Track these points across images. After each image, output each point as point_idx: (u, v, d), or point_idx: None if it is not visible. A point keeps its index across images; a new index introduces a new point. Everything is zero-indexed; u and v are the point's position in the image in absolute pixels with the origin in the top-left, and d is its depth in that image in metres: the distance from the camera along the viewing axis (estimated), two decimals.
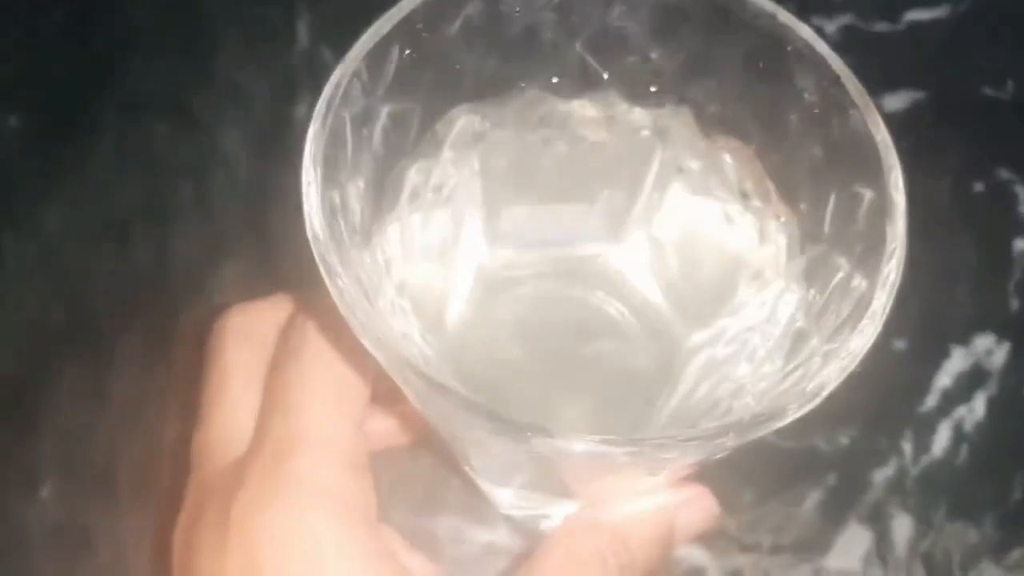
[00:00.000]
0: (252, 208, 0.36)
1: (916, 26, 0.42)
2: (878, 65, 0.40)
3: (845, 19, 0.42)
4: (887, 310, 0.20)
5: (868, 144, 0.21)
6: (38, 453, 0.32)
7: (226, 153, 0.38)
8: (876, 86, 0.39)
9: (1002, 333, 0.35)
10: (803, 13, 0.40)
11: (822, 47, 0.22)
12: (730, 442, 0.19)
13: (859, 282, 0.21)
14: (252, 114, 0.39)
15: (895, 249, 0.20)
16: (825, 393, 0.19)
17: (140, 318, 0.35)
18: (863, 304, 0.20)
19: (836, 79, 0.22)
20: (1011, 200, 0.38)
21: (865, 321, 0.20)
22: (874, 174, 0.21)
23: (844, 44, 0.41)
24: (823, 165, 0.23)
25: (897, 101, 0.40)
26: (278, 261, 0.33)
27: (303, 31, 0.40)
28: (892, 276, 0.20)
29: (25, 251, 0.36)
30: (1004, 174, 0.38)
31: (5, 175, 0.38)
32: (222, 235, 0.36)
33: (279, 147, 0.37)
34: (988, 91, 0.40)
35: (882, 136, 0.21)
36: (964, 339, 0.35)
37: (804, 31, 0.22)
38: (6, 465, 0.32)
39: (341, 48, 0.39)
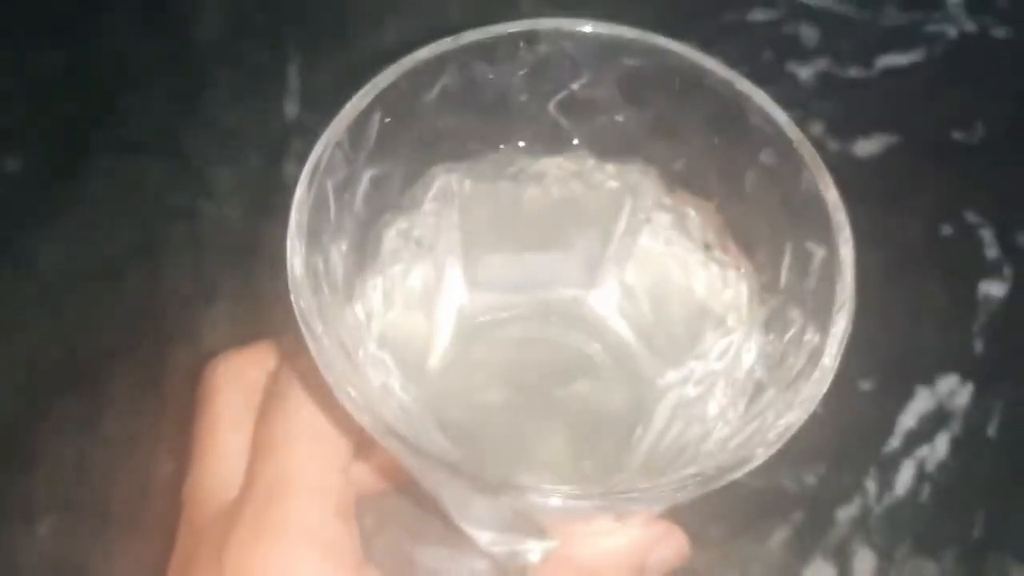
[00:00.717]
0: (243, 249, 0.37)
1: (889, 72, 0.43)
2: (852, 110, 0.42)
3: (821, 65, 0.43)
4: (837, 362, 0.21)
5: (819, 205, 0.22)
6: (35, 489, 0.33)
7: (217, 195, 0.39)
8: (850, 130, 0.41)
9: (966, 374, 0.36)
10: (779, 59, 0.43)
11: (778, 113, 0.23)
12: (693, 493, 0.20)
13: (811, 336, 0.22)
14: (244, 156, 0.40)
15: (844, 305, 0.21)
16: (782, 442, 0.20)
17: (133, 356, 0.36)
18: (816, 356, 0.21)
19: (790, 143, 0.23)
20: (977, 243, 0.39)
21: (817, 373, 0.21)
22: (825, 233, 0.22)
23: (819, 89, 0.42)
24: (779, 222, 0.24)
25: (870, 145, 0.41)
26: (267, 303, 0.35)
27: (293, 73, 0.42)
28: (841, 330, 0.21)
29: (22, 290, 0.37)
30: (971, 217, 0.40)
31: (3, 215, 0.39)
32: (213, 275, 0.37)
33: (270, 189, 0.39)
34: (958, 135, 0.42)
35: (832, 197, 0.22)
36: (929, 380, 0.36)
37: (760, 98, 0.23)
38: (4, 501, 0.33)
39: (329, 91, 0.40)
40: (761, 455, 0.20)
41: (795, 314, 0.23)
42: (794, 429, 0.21)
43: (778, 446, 0.20)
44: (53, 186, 0.39)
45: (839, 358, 0.21)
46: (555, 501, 0.19)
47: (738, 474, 0.20)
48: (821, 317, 0.22)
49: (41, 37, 0.43)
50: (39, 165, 0.40)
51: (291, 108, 0.40)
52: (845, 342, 0.21)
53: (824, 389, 0.21)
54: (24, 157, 0.40)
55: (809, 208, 0.22)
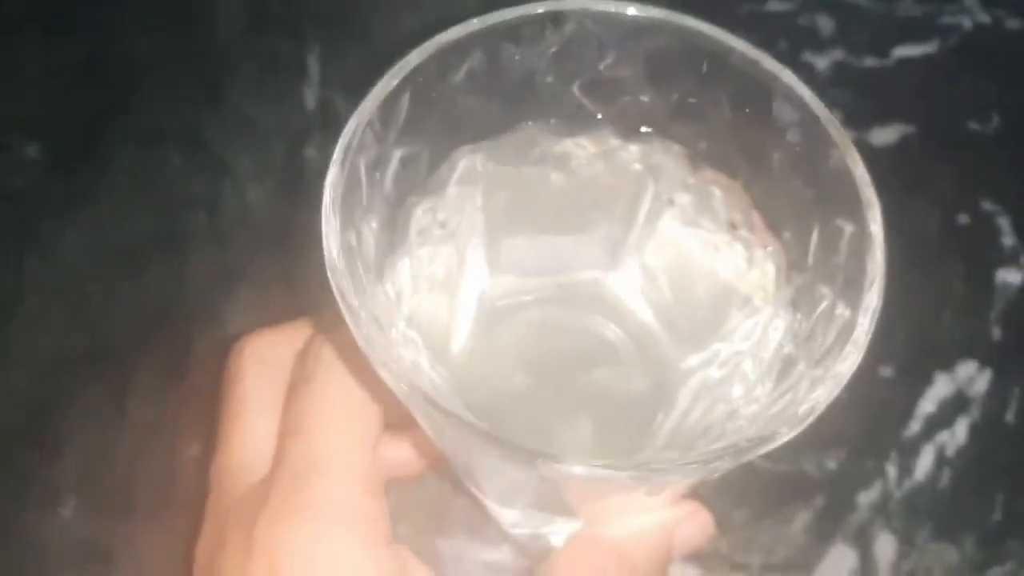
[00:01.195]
0: (265, 235, 0.38)
1: (904, 62, 0.43)
2: (868, 100, 0.42)
3: (836, 55, 0.43)
4: (869, 337, 0.21)
5: (848, 181, 0.22)
6: (60, 473, 0.34)
7: (239, 183, 0.39)
8: (866, 120, 0.41)
9: (984, 360, 0.36)
10: (795, 49, 0.43)
11: (804, 91, 0.23)
12: (725, 465, 0.20)
13: (842, 310, 0.22)
14: (264, 145, 0.40)
15: (875, 280, 0.22)
16: (812, 417, 0.21)
17: (157, 342, 0.36)
18: (846, 331, 0.21)
19: (817, 120, 0.23)
20: (994, 231, 0.39)
21: (848, 347, 0.21)
22: (854, 209, 0.22)
23: (835, 79, 0.43)
24: (806, 199, 0.24)
25: (886, 135, 0.41)
26: (290, 288, 0.35)
27: (313, 64, 0.42)
28: (873, 305, 0.21)
29: (46, 278, 0.38)
30: (988, 206, 0.40)
31: (26, 204, 0.39)
32: (235, 262, 0.38)
33: (290, 177, 0.39)
34: (974, 125, 0.42)
35: (861, 173, 0.23)
36: (947, 366, 0.36)
37: (787, 76, 0.23)
38: (30, 484, 0.34)
39: (349, 79, 0.41)
40: (792, 429, 0.20)
41: (824, 290, 0.23)
42: (826, 403, 0.21)
43: (810, 419, 0.20)
44: (77, 175, 0.40)
45: (871, 331, 0.21)
46: (589, 471, 0.19)
47: (771, 446, 0.20)
48: (852, 292, 0.22)
49: (64, 28, 0.43)
50: (63, 154, 0.40)
51: (311, 97, 0.41)
52: (877, 316, 0.21)
53: (857, 363, 0.21)
54: (48, 147, 0.40)
55: (837, 185, 0.23)
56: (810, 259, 0.24)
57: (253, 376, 0.26)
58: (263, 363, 0.27)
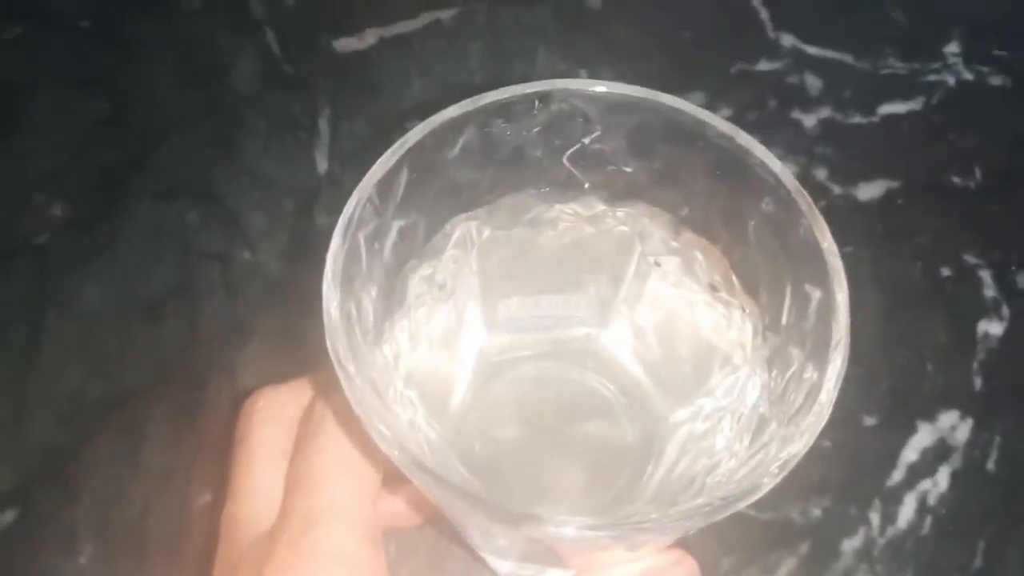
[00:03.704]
0: (275, 292, 0.39)
1: (890, 118, 0.45)
2: (854, 155, 0.44)
3: (823, 112, 0.45)
4: (833, 401, 0.22)
5: (815, 250, 0.24)
6: (77, 519, 0.35)
7: (251, 239, 0.41)
8: (852, 175, 0.43)
9: (966, 410, 0.37)
10: (784, 107, 0.45)
11: (775, 165, 0.25)
12: (700, 523, 0.21)
13: (811, 373, 0.24)
14: (275, 202, 0.42)
15: (839, 346, 0.23)
16: (782, 475, 0.22)
17: (171, 391, 0.38)
18: (813, 394, 0.23)
19: (788, 193, 0.24)
20: (977, 283, 0.40)
21: (814, 410, 0.22)
22: (821, 276, 0.23)
23: (823, 136, 0.44)
24: (779, 265, 0.25)
25: (872, 189, 0.43)
26: (299, 342, 0.36)
27: (324, 125, 0.44)
28: (837, 370, 0.22)
29: (66, 328, 0.39)
30: (970, 259, 0.41)
31: (50, 258, 0.41)
32: (246, 316, 0.39)
33: (300, 234, 0.41)
34: (957, 180, 0.43)
35: (828, 243, 0.24)
36: (930, 415, 0.37)
37: (759, 150, 0.25)
38: (47, 530, 0.35)
39: (358, 140, 0.42)
40: (765, 486, 0.21)
41: (795, 352, 0.25)
42: (795, 461, 0.22)
43: (780, 477, 0.21)
44: (95, 230, 0.41)
45: (836, 394, 0.22)
46: (569, 531, 0.20)
47: (743, 504, 0.21)
48: (819, 356, 0.23)
49: (84, 88, 0.46)
50: (82, 210, 0.42)
51: (321, 158, 0.43)
52: (841, 379, 0.22)
53: (822, 424, 0.22)
54: (68, 203, 0.42)
55: (806, 253, 0.24)
56: (783, 321, 0.25)
57: (263, 429, 0.28)
58: (273, 417, 0.28)
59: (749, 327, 0.27)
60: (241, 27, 0.47)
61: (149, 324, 0.39)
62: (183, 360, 0.38)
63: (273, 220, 0.41)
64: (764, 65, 0.46)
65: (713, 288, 0.28)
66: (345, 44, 0.46)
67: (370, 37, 0.46)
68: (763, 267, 0.26)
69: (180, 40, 0.47)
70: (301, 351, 0.35)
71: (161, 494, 0.35)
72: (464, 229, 0.28)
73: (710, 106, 0.44)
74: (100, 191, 0.43)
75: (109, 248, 0.41)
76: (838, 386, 0.22)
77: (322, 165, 0.42)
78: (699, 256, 0.28)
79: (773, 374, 0.26)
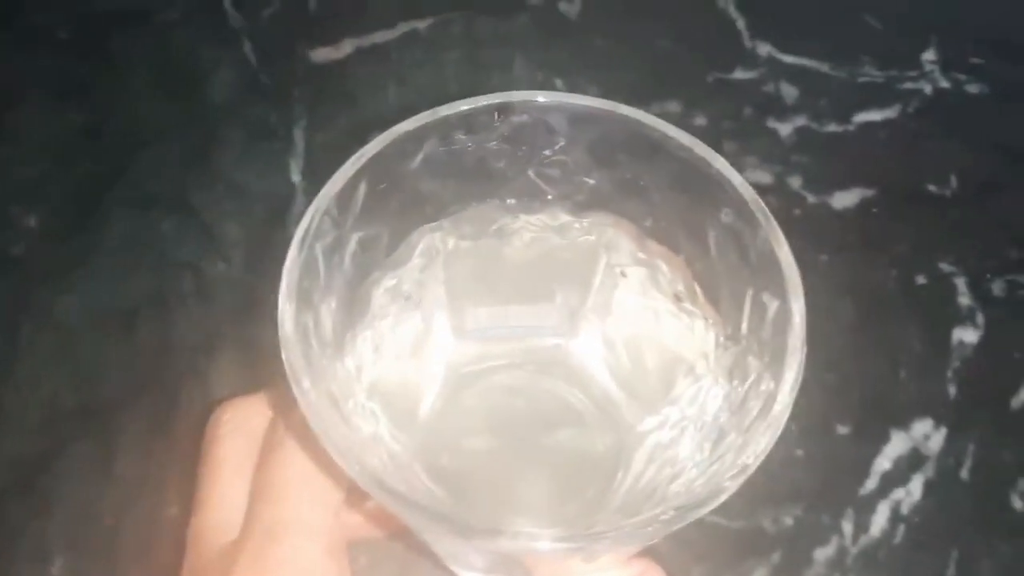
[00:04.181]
0: (248, 301, 0.39)
1: (866, 126, 0.45)
2: (830, 164, 0.44)
3: (799, 121, 0.45)
4: (788, 411, 0.22)
5: (773, 260, 0.24)
6: (48, 530, 0.35)
7: (224, 249, 0.41)
8: (828, 183, 0.43)
9: (940, 419, 0.37)
10: (760, 115, 0.45)
11: (735, 176, 0.25)
12: (657, 534, 0.21)
13: (767, 384, 0.24)
14: (249, 212, 0.42)
15: (794, 356, 0.23)
16: (735, 487, 0.21)
17: (144, 401, 0.38)
18: (769, 404, 0.23)
19: (746, 204, 0.24)
20: (951, 291, 0.40)
21: (768, 421, 0.22)
22: (778, 287, 0.23)
23: (798, 144, 0.44)
24: (739, 275, 0.25)
25: (847, 198, 0.43)
26: (271, 352, 0.36)
27: (299, 135, 0.44)
28: (791, 381, 0.22)
29: (41, 338, 0.39)
30: (945, 267, 0.41)
31: (24, 269, 0.41)
32: (219, 325, 0.39)
33: (274, 243, 0.41)
34: (932, 188, 0.43)
35: (784, 253, 0.23)
36: (904, 424, 0.37)
37: (719, 162, 0.25)
38: (18, 541, 0.35)
39: (333, 150, 0.42)
40: (720, 495, 0.21)
41: (754, 363, 0.25)
42: (750, 471, 0.22)
43: (735, 488, 0.21)
44: (70, 241, 0.42)
45: (791, 405, 0.22)
46: (525, 544, 0.20)
47: (699, 513, 0.21)
48: (775, 366, 0.23)
49: (61, 98, 0.46)
50: (57, 221, 0.42)
51: (295, 168, 0.43)
52: (796, 390, 0.22)
53: (776, 434, 0.22)
54: (43, 213, 0.42)
55: (764, 263, 0.24)
56: (743, 331, 0.25)
57: (229, 442, 0.28)
58: (239, 429, 0.28)
59: (711, 337, 0.27)
60: (219, 38, 0.47)
61: (123, 334, 0.39)
62: (156, 369, 0.38)
63: (246, 230, 0.41)
64: (740, 74, 0.46)
65: (677, 298, 0.28)
66: (322, 54, 0.46)
67: (347, 47, 0.46)
68: (724, 277, 0.26)
69: (158, 51, 0.47)
70: (272, 361, 0.35)
71: (132, 505, 0.35)
72: (429, 240, 0.28)
73: (686, 114, 0.44)
74: (76, 201, 0.43)
75: (84, 258, 0.41)
76: (793, 397, 0.22)
77: (296, 175, 0.42)
78: (663, 266, 0.28)
79: (734, 384, 0.26)
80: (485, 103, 0.25)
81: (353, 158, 0.24)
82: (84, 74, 0.46)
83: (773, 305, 0.24)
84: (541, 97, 0.26)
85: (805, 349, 0.23)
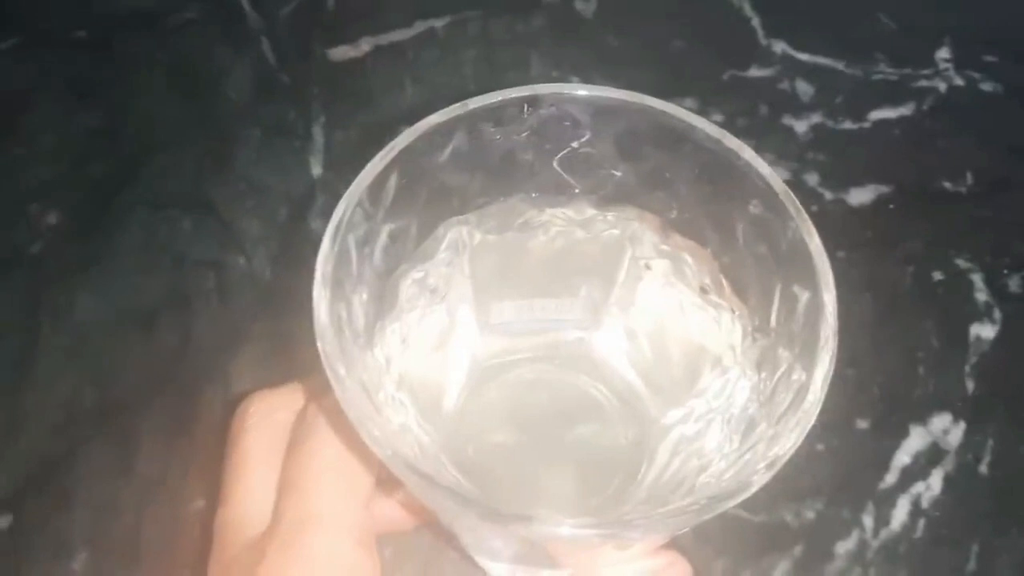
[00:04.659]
0: (268, 298, 0.39)
1: (881, 124, 0.45)
2: (845, 161, 0.44)
3: (815, 118, 0.45)
4: (821, 401, 0.22)
5: (803, 251, 0.24)
6: (71, 526, 0.35)
7: (244, 247, 0.41)
8: (844, 180, 0.43)
9: (958, 413, 0.37)
10: (775, 113, 0.45)
11: (763, 167, 0.25)
12: (688, 523, 0.21)
13: (799, 375, 0.24)
14: (269, 210, 0.42)
15: (826, 346, 0.23)
16: (769, 475, 0.21)
17: (164, 400, 0.38)
18: (801, 395, 0.23)
19: (776, 195, 0.24)
20: (968, 287, 0.41)
21: (802, 410, 0.22)
22: (809, 278, 0.23)
23: (814, 142, 0.44)
24: (768, 267, 0.25)
25: (863, 194, 0.43)
26: (292, 349, 0.36)
27: (318, 132, 0.44)
28: (824, 371, 0.22)
29: (60, 337, 0.39)
30: (962, 263, 0.41)
31: (44, 268, 0.41)
32: (240, 323, 0.39)
33: (294, 241, 0.41)
34: (947, 185, 0.44)
35: (815, 245, 0.24)
36: (923, 419, 0.37)
37: (747, 153, 0.25)
38: (41, 537, 0.35)
39: (352, 148, 0.42)
40: (753, 484, 0.21)
41: (784, 354, 0.25)
42: (783, 460, 0.22)
43: (768, 476, 0.21)
44: (89, 240, 0.42)
45: (823, 394, 0.22)
46: (558, 530, 0.20)
47: (732, 503, 0.21)
48: (807, 357, 0.23)
49: (79, 98, 0.46)
50: (76, 220, 0.42)
51: (315, 164, 0.43)
52: (829, 379, 0.22)
53: (810, 423, 0.22)
54: (62, 213, 0.42)
55: (794, 255, 0.24)
56: (772, 323, 0.25)
57: (256, 434, 0.28)
58: (266, 421, 0.28)
59: (739, 329, 0.27)
60: (237, 37, 0.47)
61: (143, 332, 0.39)
62: (177, 368, 0.38)
63: (267, 227, 0.41)
64: (756, 72, 0.46)
65: (703, 290, 0.28)
66: (339, 52, 0.46)
67: (364, 45, 0.46)
68: (752, 269, 0.26)
69: (176, 50, 0.47)
70: (294, 357, 0.35)
71: (154, 500, 0.35)
72: (456, 233, 0.28)
73: (702, 112, 0.44)
74: (94, 201, 0.43)
75: (103, 257, 0.41)
76: (826, 386, 0.22)
77: (316, 172, 0.43)
78: (689, 259, 0.28)
79: (762, 375, 0.26)
80: (515, 95, 0.25)
81: (384, 150, 0.24)
82: (101, 75, 0.47)
83: (804, 297, 0.24)
84: (569, 89, 0.26)
85: (837, 341, 0.23)
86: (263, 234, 0.41)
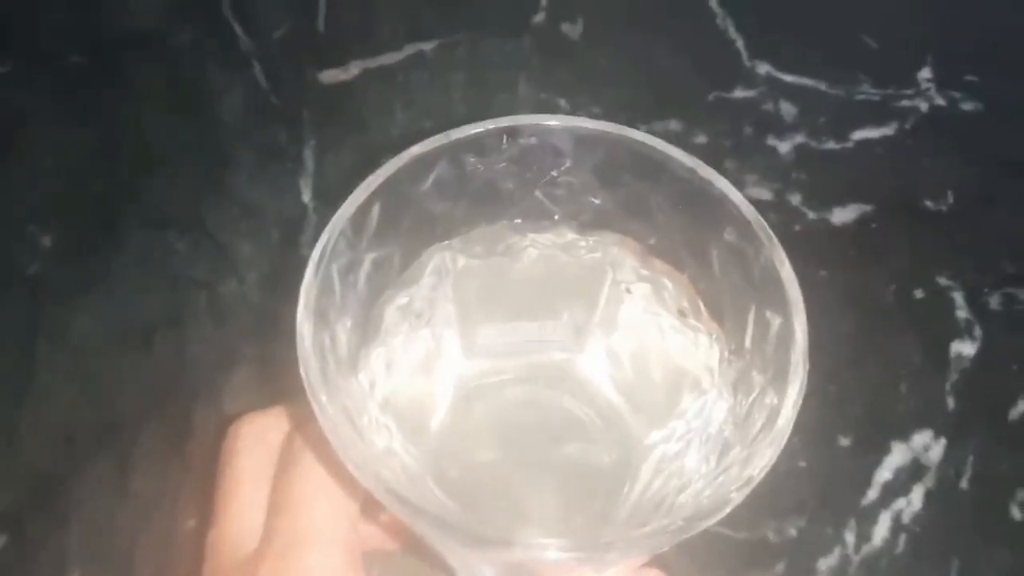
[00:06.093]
0: (261, 319, 0.40)
1: (863, 143, 0.46)
2: (828, 180, 0.45)
3: (798, 138, 0.46)
4: (791, 425, 0.23)
5: (775, 278, 0.24)
6: (68, 544, 0.36)
7: (238, 268, 0.42)
8: (826, 199, 0.44)
9: (939, 430, 0.38)
10: (760, 133, 0.46)
11: (736, 196, 0.25)
12: (665, 543, 0.22)
13: (771, 398, 0.24)
14: (262, 232, 0.43)
15: (796, 372, 0.23)
16: (741, 497, 0.22)
17: (159, 418, 0.38)
18: (773, 418, 0.23)
19: (748, 224, 0.25)
20: (949, 305, 0.41)
21: (772, 434, 0.23)
22: (781, 304, 0.24)
23: (797, 162, 0.45)
24: (742, 292, 0.26)
25: (846, 213, 0.44)
26: (283, 368, 0.37)
27: (309, 156, 0.45)
28: (794, 396, 0.23)
29: (56, 357, 0.40)
30: (943, 281, 0.42)
31: (40, 288, 0.42)
32: (233, 343, 0.40)
33: (286, 262, 0.42)
34: (929, 204, 0.44)
35: (787, 272, 0.24)
36: (904, 436, 0.38)
37: (721, 183, 0.25)
38: (39, 553, 0.35)
39: (343, 170, 0.43)
40: (727, 505, 0.22)
41: (758, 377, 0.25)
42: (755, 482, 0.22)
43: (740, 499, 0.22)
44: (85, 260, 0.42)
45: (793, 419, 0.23)
46: (540, 553, 0.21)
47: (706, 524, 0.22)
48: (779, 381, 0.24)
49: (75, 121, 0.47)
50: (72, 241, 0.43)
51: (306, 187, 0.44)
52: (799, 405, 0.23)
53: (780, 447, 0.22)
54: (58, 233, 0.43)
55: (767, 281, 0.25)
56: (746, 346, 0.26)
57: (247, 454, 0.28)
58: (257, 443, 0.29)
59: (716, 351, 0.28)
60: (229, 61, 0.48)
61: (138, 352, 0.40)
62: (171, 387, 0.39)
63: (259, 249, 0.42)
64: (740, 93, 0.47)
65: (682, 314, 0.29)
66: (330, 76, 0.47)
67: (354, 69, 0.47)
68: (727, 294, 0.27)
69: (170, 74, 0.48)
70: (286, 378, 0.36)
71: (149, 519, 0.36)
72: (440, 259, 0.29)
73: (687, 133, 0.45)
74: (91, 222, 0.44)
75: (99, 277, 0.42)
76: (797, 409, 0.23)
77: (307, 195, 0.43)
78: (667, 283, 0.29)
79: (738, 398, 0.26)
80: (494, 126, 0.26)
81: (367, 180, 0.25)
82: (96, 97, 0.47)
83: (776, 322, 0.25)
84: (548, 120, 0.26)
85: (807, 365, 0.23)
86: (255, 256, 0.42)
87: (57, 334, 0.40)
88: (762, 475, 0.22)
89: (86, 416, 0.39)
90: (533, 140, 0.27)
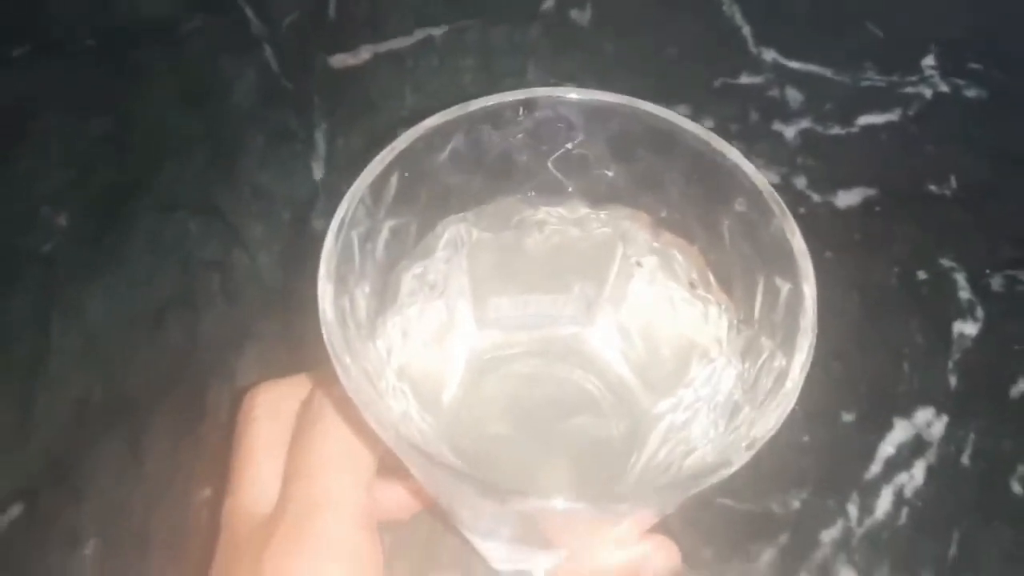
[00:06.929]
0: (273, 297, 0.41)
1: (868, 129, 0.46)
2: (833, 165, 0.45)
3: (804, 124, 0.46)
4: (799, 386, 0.23)
5: (785, 246, 0.25)
6: (81, 517, 0.36)
7: (249, 248, 0.42)
8: (831, 184, 0.44)
9: (941, 407, 0.38)
10: (765, 119, 0.46)
11: (749, 167, 0.26)
12: (676, 496, 0.22)
13: (780, 360, 0.25)
14: (273, 213, 0.43)
15: (806, 335, 0.24)
16: (749, 455, 0.22)
17: (172, 396, 0.39)
18: (781, 379, 0.24)
19: (760, 194, 0.25)
20: (952, 287, 0.42)
21: (783, 392, 0.23)
22: (790, 271, 0.25)
23: (803, 147, 0.46)
24: (752, 262, 0.26)
25: (850, 197, 0.44)
26: (294, 344, 0.38)
27: (320, 138, 0.45)
28: (803, 357, 0.23)
29: (70, 336, 0.40)
30: (946, 263, 0.42)
31: (54, 268, 0.42)
32: (245, 322, 0.40)
33: (297, 242, 0.42)
34: (932, 188, 0.45)
35: (796, 239, 0.25)
36: (906, 412, 0.38)
37: (734, 154, 0.26)
38: (53, 527, 0.36)
39: (353, 153, 0.44)
40: (735, 462, 0.22)
41: (766, 342, 0.26)
42: (762, 442, 0.23)
43: (748, 456, 0.22)
44: (99, 242, 0.43)
45: (802, 379, 0.23)
46: (553, 503, 0.21)
47: (715, 478, 0.22)
48: (787, 344, 0.24)
49: (89, 106, 0.47)
50: (87, 223, 0.43)
51: (318, 169, 0.44)
52: (808, 366, 0.23)
53: (790, 405, 0.23)
54: (73, 216, 0.44)
55: (777, 250, 0.25)
56: (756, 314, 0.27)
57: (262, 423, 0.29)
58: (272, 411, 0.29)
59: (725, 321, 0.28)
60: (241, 46, 0.48)
61: (151, 331, 0.40)
62: (184, 364, 0.40)
63: (270, 230, 0.42)
64: (746, 79, 0.47)
65: (692, 286, 0.29)
66: (340, 60, 0.48)
67: (364, 53, 0.48)
68: (737, 264, 0.27)
69: (182, 59, 0.48)
70: (298, 354, 0.36)
71: (162, 495, 0.37)
72: (454, 231, 0.29)
73: (694, 118, 0.44)
74: (104, 204, 0.44)
75: (113, 259, 0.42)
76: (805, 370, 0.23)
77: (318, 176, 0.44)
78: (678, 255, 0.29)
79: (746, 364, 0.27)
80: (511, 98, 0.26)
81: (387, 149, 0.25)
82: (108, 84, 0.48)
83: (785, 288, 0.25)
84: (563, 93, 0.27)
85: (816, 329, 0.24)
86: (267, 236, 0.42)
87: (71, 313, 0.41)
88: (769, 435, 0.23)
89: (100, 393, 0.39)
90: (548, 112, 0.27)
